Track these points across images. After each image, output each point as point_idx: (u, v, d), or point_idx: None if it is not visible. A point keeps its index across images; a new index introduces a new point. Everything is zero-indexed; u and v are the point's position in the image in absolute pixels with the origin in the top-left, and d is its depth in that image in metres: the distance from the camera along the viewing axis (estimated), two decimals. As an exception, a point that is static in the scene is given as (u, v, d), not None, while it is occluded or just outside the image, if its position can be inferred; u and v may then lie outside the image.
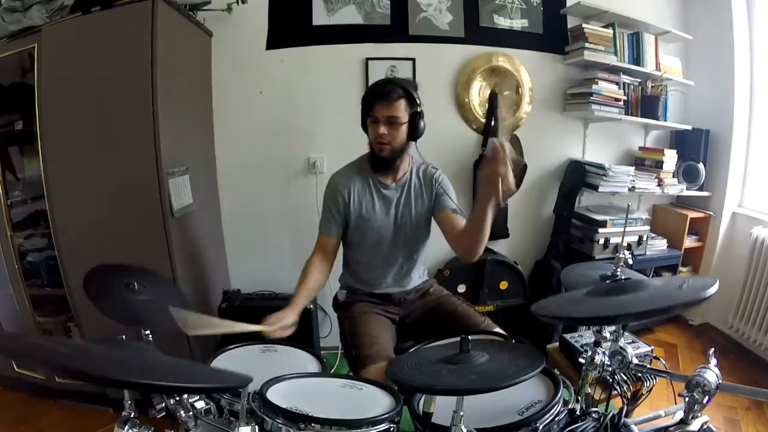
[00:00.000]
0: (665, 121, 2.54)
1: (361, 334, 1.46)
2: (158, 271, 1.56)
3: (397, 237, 1.59)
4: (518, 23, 2.43)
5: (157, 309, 1.31)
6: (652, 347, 1.46)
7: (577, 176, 2.48)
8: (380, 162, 1.53)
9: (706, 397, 0.93)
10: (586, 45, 2.32)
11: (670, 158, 2.50)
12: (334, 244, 1.59)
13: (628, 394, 1.18)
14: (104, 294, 1.29)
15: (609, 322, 1.09)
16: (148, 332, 1.28)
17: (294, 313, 1.39)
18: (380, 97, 1.46)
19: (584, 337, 1.60)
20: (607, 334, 1.11)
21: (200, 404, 0.94)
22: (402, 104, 1.46)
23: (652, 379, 1.21)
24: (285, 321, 1.35)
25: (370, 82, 2.30)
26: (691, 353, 2.47)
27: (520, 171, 2.35)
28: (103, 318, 1.25)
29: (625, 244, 2.39)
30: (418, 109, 1.49)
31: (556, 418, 1.01)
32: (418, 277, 1.70)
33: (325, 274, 1.56)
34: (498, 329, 1.48)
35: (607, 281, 1.12)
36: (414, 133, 1.50)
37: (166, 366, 0.78)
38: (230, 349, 1.32)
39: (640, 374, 1.16)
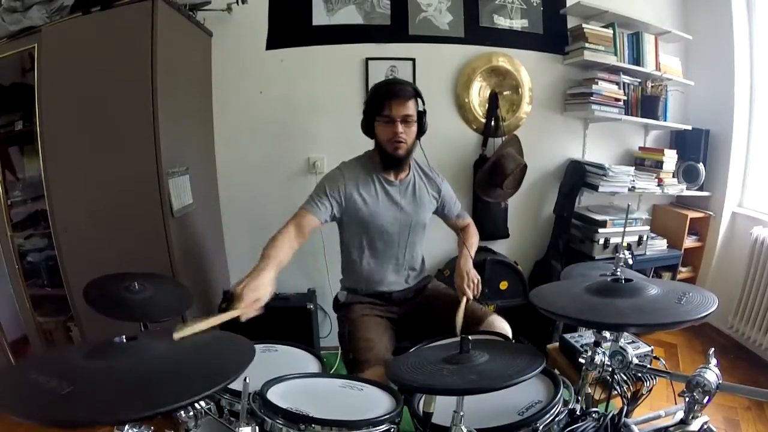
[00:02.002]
0: (665, 121, 2.54)
1: (359, 338, 1.46)
2: (158, 272, 1.57)
3: (401, 233, 1.61)
4: (518, 23, 2.43)
5: (157, 303, 1.32)
6: (652, 347, 1.45)
7: (577, 176, 2.47)
8: (394, 161, 1.54)
9: (706, 397, 0.93)
10: (586, 45, 2.32)
11: (670, 158, 2.50)
12: (312, 226, 1.48)
13: (628, 394, 1.18)
14: (105, 299, 1.30)
15: (606, 328, 1.09)
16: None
17: (270, 283, 1.20)
18: (394, 96, 1.47)
19: (584, 337, 1.60)
20: (607, 335, 1.11)
21: (200, 404, 0.94)
22: (413, 102, 1.50)
23: (652, 379, 1.21)
24: (263, 298, 1.15)
25: (370, 82, 2.31)
26: (691, 353, 2.47)
27: (520, 171, 2.36)
28: (103, 318, 1.26)
29: (625, 244, 2.39)
30: (423, 108, 1.53)
31: (557, 418, 1.01)
32: (419, 273, 1.72)
33: (292, 254, 1.40)
34: (497, 318, 1.50)
35: (608, 279, 1.12)
36: (421, 131, 1.54)
37: (169, 371, 0.78)
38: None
39: (640, 374, 1.16)
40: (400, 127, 1.47)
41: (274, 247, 1.34)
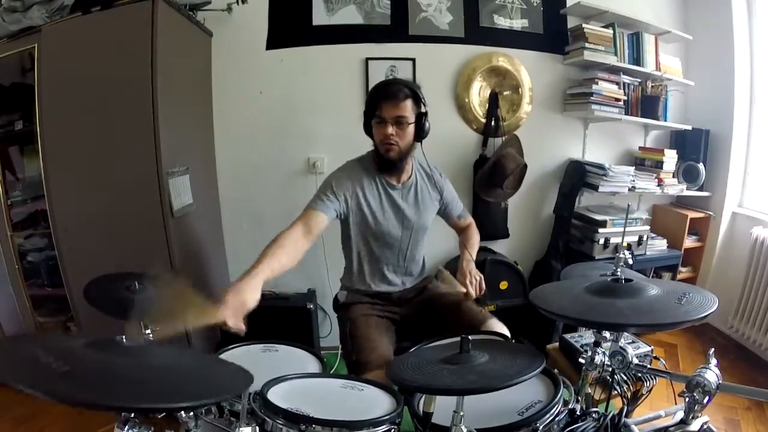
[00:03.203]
0: (665, 121, 2.54)
1: (361, 338, 1.46)
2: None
3: (403, 237, 1.60)
4: (518, 23, 2.43)
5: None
6: (652, 347, 1.45)
7: (577, 176, 2.47)
8: (387, 163, 1.52)
9: (707, 398, 0.93)
10: (586, 45, 2.32)
11: (670, 158, 2.50)
12: (321, 224, 1.43)
13: (628, 394, 1.18)
14: (105, 297, 1.30)
15: (606, 328, 1.09)
16: (148, 331, 1.28)
17: (256, 289, 1.14)
18: (387, 97, 1.45)
19: (584, 337, 1.60)
20: (607, 335, 1.11)
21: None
22: (409, 104, 1.46)
23: (652, 379, 1.21)
24: (247, 304, 1.10)
25: (370, 82, 2.31)
26: (691, 353, 2.47)
27: (520, 171, 2.36)
28: (103, 318, 1.26)
29: (625, 244, 2.39)
30: (424, 110, 1.50)
31: (557, 418, 1.01)
32: (420, 275, 1.72)
33: (301, 255, 1.35)
34: (496, 321, 1.50)
35: (608, 279, 1.12)
36: (420, 133, 1.51)
37: (167, 377, 0.78)
38: (230, 349, 1.33)
39: (640, 374, 1.16)
40: (391, 129, 1.45)
41: (271, 250, 1.28)
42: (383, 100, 1.45)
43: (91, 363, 0.75)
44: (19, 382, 0.62)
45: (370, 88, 2.02)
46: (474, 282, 1.55)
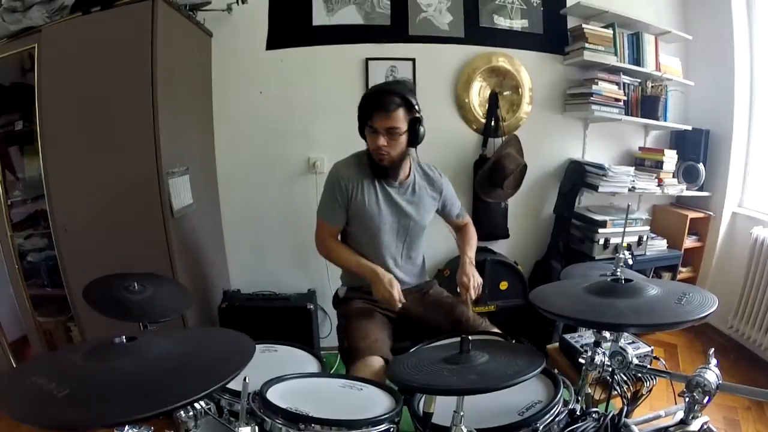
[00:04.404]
0: (665, 121, 2.54)
1: (355, 327, 1.47)
2: (158, 272, 1.57)
3: (401, 235, 1.60)
4: (518, 23, 2.43)
5: (158, 302, 1.32)
6: (652, 347, 1.45)
7: (577, 176, 2.47)
8: (380, 170, 1.53)
9: (706, 398, 0.93)
10: (586, 45, 2.32)
11: (670, 158, 2.50)
12: (339, 232, 1.63)
13: (628, 395, 1.18)
14: (105, 299, 1.30)
15: (606, 329, 1.09)
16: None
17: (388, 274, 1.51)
18: (378, 108, 1.43)
19: (584, 337, 1.60)
20: (607, 335, 1.11)
21: (200, 405, 0.94)
22: (400, 114, 1.44)
23: (652, 379, 1.21)
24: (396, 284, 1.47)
25: (370, 82, 2.32)
26: (691, 353, 2.47)
27: (520, 171, 2.36)
28: (103, 318, 1.26)
29: (625, 244, 2.38)
30: (417, 115, 1.48)
31: (557, 419, 1.01)
32: (419, 275, 1.71)
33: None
34: (496, 331, 1.49)
35: (608, 279, 1.12)
36: (414, 139, 1.50)
37: (167, 373, 0.78)
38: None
39: (640, 374, 1.16)
40: (383, 140, 1.44)
41: (347, 253, 1.59)
42: (374, 110, 1.44)
43: (91, 378, 0.75)
44: (20, 418, 0.63)
45: (369, 88, 2.01)
46: (476, 286, 1.57)
